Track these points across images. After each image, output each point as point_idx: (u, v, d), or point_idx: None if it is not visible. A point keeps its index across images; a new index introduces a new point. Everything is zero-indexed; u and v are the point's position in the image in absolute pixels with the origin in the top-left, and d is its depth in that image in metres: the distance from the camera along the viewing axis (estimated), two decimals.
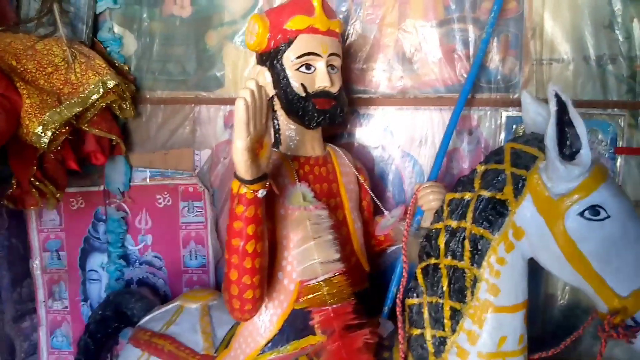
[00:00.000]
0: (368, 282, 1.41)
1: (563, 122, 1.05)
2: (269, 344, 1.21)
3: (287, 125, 1.30)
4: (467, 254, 1.17)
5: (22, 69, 1.48)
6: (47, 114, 1.41)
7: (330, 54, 1.26)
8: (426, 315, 1.23)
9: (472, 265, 1.17)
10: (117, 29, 1.90)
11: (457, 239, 1.20)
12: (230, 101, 1.82)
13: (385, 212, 1.42)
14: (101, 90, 1.59)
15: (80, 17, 1.85)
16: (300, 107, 1.25)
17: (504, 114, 1.64)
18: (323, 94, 1.26)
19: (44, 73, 1.52)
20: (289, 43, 1.24)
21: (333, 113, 1.29)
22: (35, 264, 2.05)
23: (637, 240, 1.06)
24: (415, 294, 1.26)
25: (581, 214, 1.05)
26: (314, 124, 1.27)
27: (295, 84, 1.25)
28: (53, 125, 1.41)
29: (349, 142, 1.75)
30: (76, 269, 2.04)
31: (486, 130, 1.65)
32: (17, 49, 1.51)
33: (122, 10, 1.89)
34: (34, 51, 1.53)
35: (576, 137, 1.04)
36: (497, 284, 1.15)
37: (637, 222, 1.06)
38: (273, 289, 1.21)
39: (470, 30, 1.62)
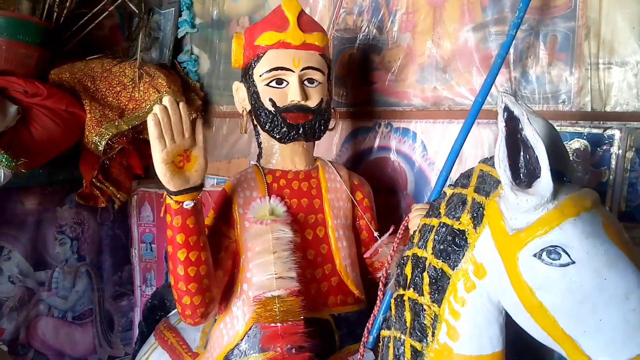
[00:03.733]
0: (360, 304, 1.33)
1: (520, 140, 0.87)
2: (233, 351, 1.23)
3: (266, 139, 1.31)
4: (426, 288, 1.05)
5: (94, 88, 1.76)
6: (104, 126, 1.66)
7: (305, 68, 1.24)
8: (391, 350, 1.12)
9: (433, 301, 1.04)
10: (195, 50, 2.12)
11: (419, 269, 1.07)
12: None
13: (375, 234, 1.33)
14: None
15: (165, 42, 2.11)
16: (268, 121, 1.25)
17: None
18: (295, 108, 1.24)
19: (112, 92, 1.78)
20: (258, 59, 1.25)
21: (310, 127, 1.26)
22: (134, 252, 2.39)
23: (626, 297, 0.82)
24: (386, 326, 1.16)
25: (538, 255, 0.86)
26: (286, 139, 1.26)
27: (264, 99, 1.25)
28: (108, 136, 1.66)
29: (380, 156, 1.66)
30: (162, 261, 2.32)
31: None
32: (95, 71, 1.80)
33: (199, 33, 2.10)
34: (108, 73, 1.81)
35: (536, 160, 0.85)
36: (457, 328, 1.00)
37: (624, 273, 0.82)
38: (238, 299, 1.23)
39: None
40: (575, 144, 1.34)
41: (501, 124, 0.87)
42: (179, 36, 2.12)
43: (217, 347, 1.26)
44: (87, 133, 1.65)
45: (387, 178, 1.66)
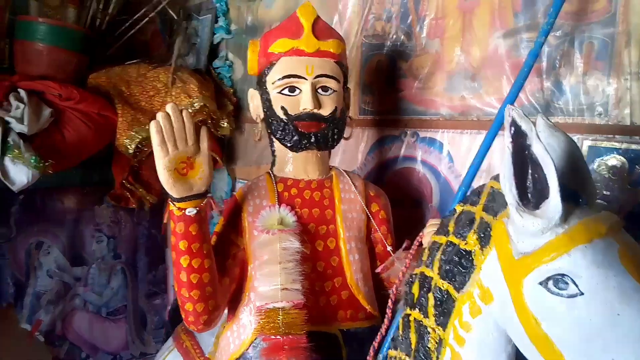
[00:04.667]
0: (372, 321, 1.29)
1: (529, 157, 0.81)
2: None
3: (280, 147, 1.29)
4: (431, 310, 0.99)
5: (128, 93, 1.82)
6: (135, 130, 1.70)
7: (319, 76, 1.21)
8: None
9: (438, 324, 0.98)
10: (230, 56, 2.14)
11: (425, 289, 1.02)
12: None
13: (389, 248, 1.28)
14: (189, 110, 1.84)
15: (202, 47, 2.15)
16: (279, 129, 1.24)
17: (586, 144, 1.28)
18: (307, 116, 1.21)
19: (146, 96, 1.83)
20: (271, 66, 1.23)
21: (322, 136, 1.23)
22: (168, 252, 2.45)
23: None
24: (394, 346, 1.11)
25: (544, 283, 0.79)
26: (297, 147, 1.24)
27: (276, 107, 1.23)
28: (138, 139, 1.70)
29: (405, 166, 1.61)
30: None
31: None
32: (131, 76, 1.86)
33: (234, 39, 2.12)
34: (143, 78, 1.86)
35: (545, 180, 0.78)
36: (461, 354, 0.94)
37: None
38: (246, 307, 1.22)
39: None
40: (611, 161, 1.24)
41: (507, 139, 0.81)
42: (215, 42, 2.15)
43: (224, 354, 1.26)
44: (119, 136, 1.71)
45: (412, 189, 1.60)
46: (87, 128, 1.62)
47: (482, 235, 0.91)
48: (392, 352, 1.10)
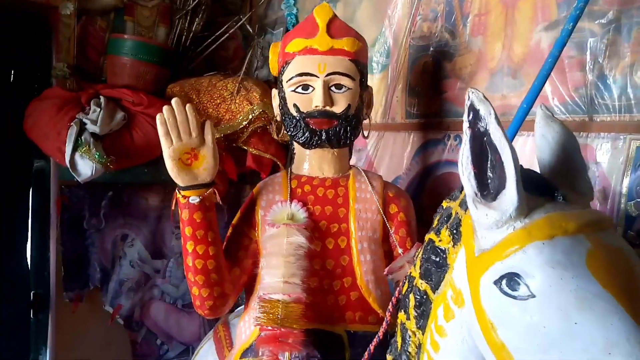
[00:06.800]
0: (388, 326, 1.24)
1: (488, 144, 0.75)
2: (247, 351, 1.25)
3: (298, 145, 1.32)
4: (411, 312, 0.95)
5: (197, 100, 1.98)
6: None
7: (332, 73, 1.22)
8: None
9: (418, 327, 0.94)
10: None
11: (409, 290, 0.98)
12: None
13: (400, 251, 1.22)
14: (250, 116, 1.95)
15: None
16: (292, 126, 1.26)
17: (634, 144, 1.11)
18: (319, 113, 1.23)
19: (213, 104, 1.98)
20: (287, 65, 1.26)
21: (334, 133, 1.23)
22: None
23: (607, 351, 0.64)
24: (389, 350, 1.07)
25: (498, 282, 0.72)
26: (309, 144, 1.25)
27: (290, 104, 1.26)
28: None
29: (447, 171, 1.53)
30: None
31: (607, 165, 1.16)
32: (202, 86, 2.03)
33: None
34: (212, 87, 2.02)
35: (502, 168, 0.72)
36: None
37: (605, 320, 0.65)
38: (257, 303, 1.25)
39: (587, 29, 1.18)
40: None
41: (465, 124, 0.76)
42: None
43: (238, 343, 1.30)
44: None
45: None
46: (155, 131, 1.80)
47: (455, 231, 0.85)
48: (389, 357, 1.05)
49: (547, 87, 1.27)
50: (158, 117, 1.11)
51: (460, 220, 0.84)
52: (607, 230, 0.72)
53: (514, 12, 1.35)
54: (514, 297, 0.69)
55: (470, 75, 1.47)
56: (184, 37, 2.26)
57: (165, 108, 1.11)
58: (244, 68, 2.11)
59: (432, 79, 1.60)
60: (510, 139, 1.12)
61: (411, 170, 1.67)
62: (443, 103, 1.56)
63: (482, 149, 0.74)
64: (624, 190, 1.13)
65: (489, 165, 0.74)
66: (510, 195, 0.70)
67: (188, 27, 2.26)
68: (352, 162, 1.85)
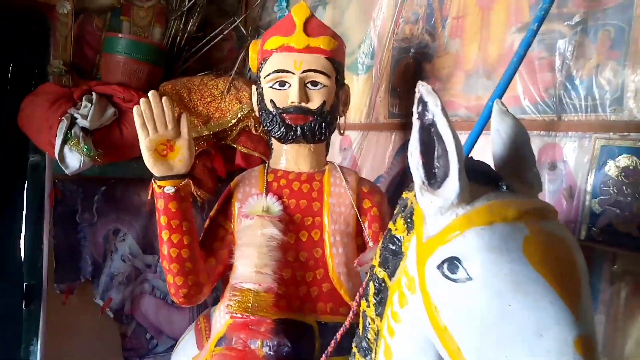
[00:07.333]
0: (355, 317, 1.27)
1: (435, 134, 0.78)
2: (221, 340, 1.29)
3: (274, 140, 1.35)
4: (371, 299, 0.98)
5: (188, 98, 2.02)
6: None
7: (307, 70, 1.25)
8: None
9: (377, 314, 0.97)
10: None
11: (369, 278, 1.01)
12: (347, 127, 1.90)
13: (370, 244, 1.26)
14: (239, 114, 1.99)
15: None
16: (269, 121, 1.30)
17: (599, 142, 1.14)
18: (295, 109, 1.26)
19: (203, 102, 2.02)
20: (264, 62, 1.30)
21: (309, 129, 1.27)
22: None
23: (539, 333, 0.67)
24: (356, 339, 1.10)
25: (440, 266, 0.75)
26: (284, 139, 1.29)
27: (267, 100, 1.30)
28: None
29: None
30: None
31: (574, 163, 1.19)
32: (194, 84, 2.07)
33: None
34: (203, 85, 2.06)
35: (446, 156, 0.75)
36: (391, 347, 0.92)
37: (537, 303, 0.67)
38: (229, 291, 1.28)
39: (557, 31, 1.21)
40: (623, 161, 1.09)
41: (414, 115, 0.79)
42: None
43: (213, 332, 1.34)
44: None
45: None
46: None
47: (409, 220, 0.88)
48: (354, 345, 1.08)
49: (519, 88, 1.30)
50: (135, 109, 1.15)
51: (413, 209, 0.87)
52: (550, 219, 0.75)
53: (490, 15, 1.39)
54: (454, 280, 0.72)
55: (447, 76, 1.50)
56: (179, 37, 2.32)
57: (142, 100, 1.15)
58: (235, 67, 2.16)
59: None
60: (476, 137, 1.16)
61: (392, 169, 1.70)
62: None
63: (430, 139, 0.77)
64: (589, 188, 1.15)
65: (435, 155, 0.77)
66: (452, 182, 0.73)
67: (183, 28, 2.32)
68: (337, 161, 1.91)
